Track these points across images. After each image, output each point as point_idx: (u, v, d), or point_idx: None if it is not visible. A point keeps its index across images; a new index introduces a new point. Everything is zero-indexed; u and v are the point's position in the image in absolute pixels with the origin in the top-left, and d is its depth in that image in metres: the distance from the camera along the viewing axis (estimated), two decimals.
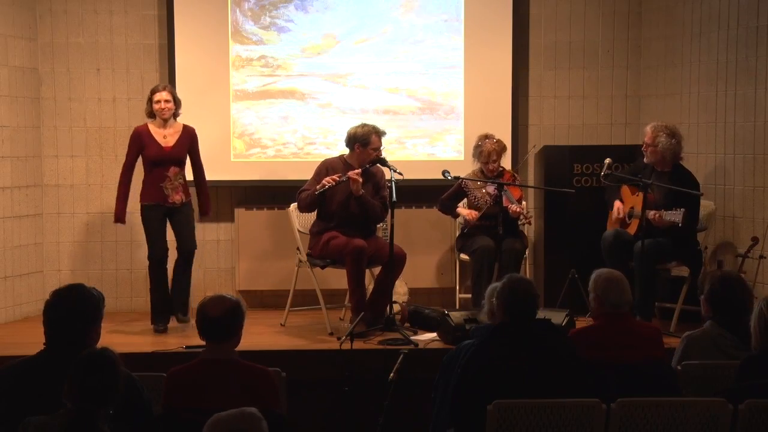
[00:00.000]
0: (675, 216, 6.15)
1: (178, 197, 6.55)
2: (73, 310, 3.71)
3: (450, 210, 7.03)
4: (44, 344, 3.76)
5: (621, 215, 6.60)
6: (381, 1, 7.66)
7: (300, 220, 6.95)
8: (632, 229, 6.53)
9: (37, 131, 7.45)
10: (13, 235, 7.19)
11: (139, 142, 6.54)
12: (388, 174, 6.45)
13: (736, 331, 4.44)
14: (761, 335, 4.12)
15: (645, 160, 6.58)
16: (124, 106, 7.54)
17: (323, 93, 7.62)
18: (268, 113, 7.60)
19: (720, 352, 4.43)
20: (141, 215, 6.62)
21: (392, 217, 6.36)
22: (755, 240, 6.55)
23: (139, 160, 6.62)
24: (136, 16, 7.53)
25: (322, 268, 6.62)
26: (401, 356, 5.12)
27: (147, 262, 6.59)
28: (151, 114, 6.58)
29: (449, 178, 6.72)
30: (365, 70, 7.63)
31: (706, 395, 4.13)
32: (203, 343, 3.96)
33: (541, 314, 4.49)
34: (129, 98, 7.53)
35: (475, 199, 6.89)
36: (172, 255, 6.71)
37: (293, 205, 6.82)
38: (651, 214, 6.27)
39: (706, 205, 6.84)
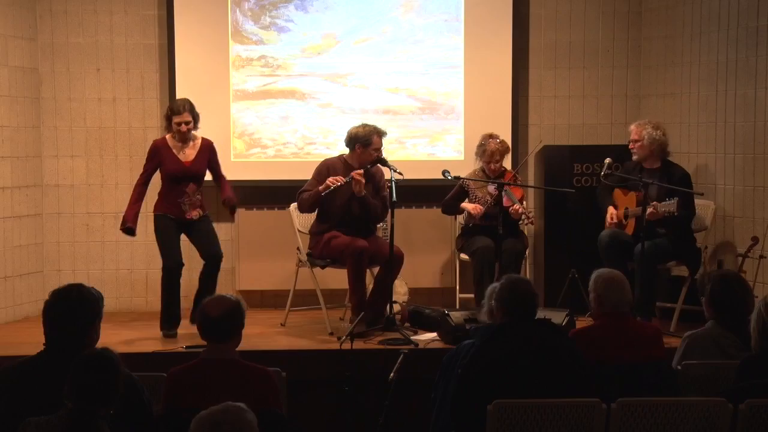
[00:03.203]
0: (669, 206, 6.20)
1: (195, 213, 6.42)
2: (72, 310, 3.71)
3: (454, 209, 7.01)
4: (44, 344, 3.76)
5: (615, 221, 6.60)
6: (381, 1, 7.65)
7: (300, 220, 6.95)
8: (629, 229, 6.53)
9: (37, 131, 7.45)
10: (13, 235, 7.19)
11: (158, 157, 6.40)
12: (388, 174, 6.44)
13: (737, 331, 4.44)
14: (760, 336, 4.12)
15: (633, 158, 6.64)
16: (124, 106, 7.54)
17: (323, 93, 7.62)
18: (268, 113, 7.60)
19: (721, 352, 4.43)
20: (154, 224, 6.48)
21: (392, 217, 6.35)
22: (755, 240, 6.55)
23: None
24: (136, 16, 7.53)
25: (323, 267, 6.62)
26: (401, 356, 5.11)
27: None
28: (170, 129, 6.43)
29: (449, 178, 6.71)
30: (365, 70, 7.63)
31: (706, 395, 4.13)
32: (203, 343, 3.96)
33: (541, 314, 4.49)
34: (129, 98, 7.54)
35: (476, 199, 6.89)
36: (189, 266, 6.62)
37: (293, 205, 6.82)
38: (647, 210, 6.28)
39: (706, 205, 6.85)
